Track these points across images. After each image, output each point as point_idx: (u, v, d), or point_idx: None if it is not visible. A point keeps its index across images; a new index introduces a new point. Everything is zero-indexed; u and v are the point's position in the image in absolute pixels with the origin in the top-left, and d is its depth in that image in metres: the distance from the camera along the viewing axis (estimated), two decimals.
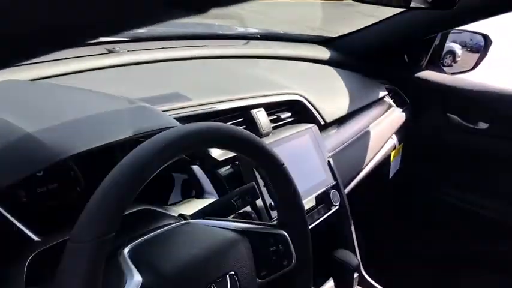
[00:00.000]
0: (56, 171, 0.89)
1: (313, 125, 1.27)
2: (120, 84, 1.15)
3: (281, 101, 1.27)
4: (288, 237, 0.80)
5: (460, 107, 1.82)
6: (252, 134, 0.75)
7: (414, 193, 1.95)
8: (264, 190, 1.03)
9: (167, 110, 0.98)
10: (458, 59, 2.29)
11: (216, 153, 1.02)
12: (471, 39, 2.17)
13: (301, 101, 1.31)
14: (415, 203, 1.95)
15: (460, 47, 2.19)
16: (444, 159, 1.88)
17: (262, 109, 1.17)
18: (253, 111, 1.14)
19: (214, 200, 0.95)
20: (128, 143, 0.83)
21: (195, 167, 0.99)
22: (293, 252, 0.80)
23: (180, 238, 0.73)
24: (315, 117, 1.33)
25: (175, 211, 0.89)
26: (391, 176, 1.78)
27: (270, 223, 0.83)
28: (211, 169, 1.02)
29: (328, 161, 1.25)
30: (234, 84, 1.30)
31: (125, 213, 0.61)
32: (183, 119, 0.98)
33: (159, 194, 0.98)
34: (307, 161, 1.19)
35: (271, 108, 1.23)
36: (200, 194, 0.98)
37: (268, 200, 1.03)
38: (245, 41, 1.79)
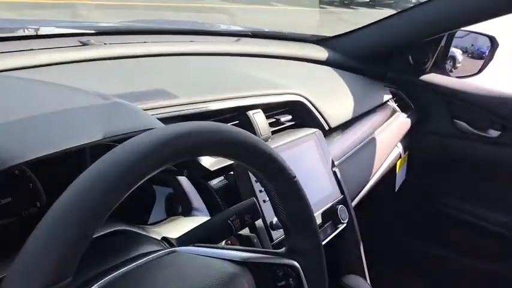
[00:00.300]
0: (10, 182, 0.72)
1: (317, 130, 1.11)
2: (94, 79, 0.98)
3: (281, 102, 1.11)
4: (300, 268, 0.64)
5: (468, 113, 1.68)
6: (256, 137, 0.58)
7: (420, 207, 1.80)
8: (265, 206, 0.86)
9: (148, 109, 0.81)
10: (458, 64, 2.17)
11: (207, 161, 0.85)
12: (472, 45, 2.05)
13: (303, 102, 1.15)
14: (421, 217, 1.80)
15: (460, 52, 2.06)
16: (452, 169, 1.74)
17: (260, 110, 1.00)
18: (250, 112, 0.98)
19: (205, 219, 0.78)
20: (101, 146, 0.66)
21: (182, 178, 0.82)
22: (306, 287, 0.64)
23: (164, 273, 0.56)
24: (319, 121, 1.17)
25: (158, 233, 0.72)
26: (397, 188, 1.62)
27: (278, 251, 0.66)
28: (201, 180, 0.85)
29: (334, 172, 1.09)
30: (226, 82, 1.13)
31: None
32: (167, 120, 0.81)
33: (137, 210, 0.80)
34: (311, 171, 1.03)
35: (269, 109, 1.07)
36: (188, 211, 0.81)
37: (269, 218, 0.87)
38: (235, 39, 1.63)
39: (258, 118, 0.98)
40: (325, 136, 1.15)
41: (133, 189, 0.47)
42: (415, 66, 1.72)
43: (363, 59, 1.71)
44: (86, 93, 0.75)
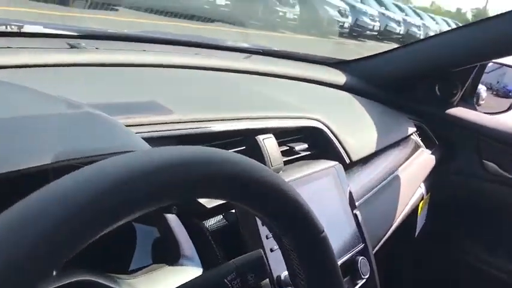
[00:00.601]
0: None
1: (337, 163, 0.93)
2: (74, 86, 0.81)
3: (296, 127, 0.94)
4: None
5: (499, 153, 1.51)
6: (279, 176, 0.41)
7: (440, 256, 1.61)
8: (272, 256, 0.69)
9: (133, 125, 0.64)
10: (481, 101, 2.02)
11: None
12: (498, 82, 1.90)
13: (322, 129, 0.98)
14: (441, 267, 1.61)
15: (485, 88, 1.91)
16: (478, 215, 1.56)
17: (271, 136, 0.83)
18: (260, 137, 0.80)
19: (195, 270, 0.61)
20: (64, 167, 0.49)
21: (170, 216, 0.64)
22: None
23: None
24: (339, 152, 0.99)
25: (133, 287, 0.54)
26: (417, 233, 1.44)
27: None
28: (194, 220, 0.67)
29: (355, 215, 0.91)
30: (233, 100, 0.97)
31: None
32: (155, 140, 0.63)
33: (110, 254, 0.62)
34: (329, 212, 0.85)
35: (282, 135, 0.90)
36: (175, 258, 0.63)
37: (277, 271, 0.69)
38: (245, 55, 1.48)
39: (269, 144, 0.81)
40: (344, 170, 0.98)
41: (95, 238, 0.31)
42: (442, 98, 1.56)
43: (384, 86, 1.55)
44: (49, 97, 0.58)
